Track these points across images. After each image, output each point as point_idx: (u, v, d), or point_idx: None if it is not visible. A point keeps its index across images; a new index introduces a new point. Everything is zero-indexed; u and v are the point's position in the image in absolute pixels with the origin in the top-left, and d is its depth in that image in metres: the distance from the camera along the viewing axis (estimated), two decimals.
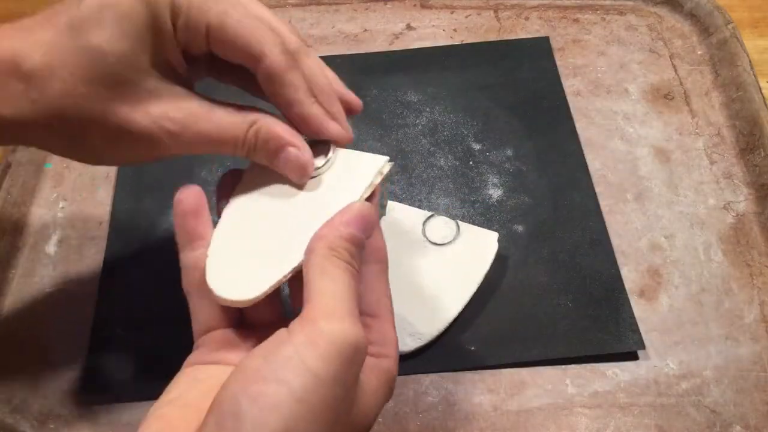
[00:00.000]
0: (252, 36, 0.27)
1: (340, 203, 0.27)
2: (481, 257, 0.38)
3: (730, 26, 0.50)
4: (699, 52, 0.51)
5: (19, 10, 0.55)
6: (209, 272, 0.27)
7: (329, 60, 0.50)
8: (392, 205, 0.40)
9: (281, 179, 0.29)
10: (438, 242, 0.39)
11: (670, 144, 0.46)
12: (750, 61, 0.48)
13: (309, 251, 0.25)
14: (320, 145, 0.29)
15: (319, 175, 0.29)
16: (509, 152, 0.45)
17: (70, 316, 0.39)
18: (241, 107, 0.28)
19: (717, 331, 0.38)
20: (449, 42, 0.52)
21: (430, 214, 0.40)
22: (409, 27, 0.53)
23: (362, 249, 0.26)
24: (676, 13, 0.53)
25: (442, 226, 0.40)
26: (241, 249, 0.27)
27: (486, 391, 0.36)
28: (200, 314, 0.28)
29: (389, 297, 0.28)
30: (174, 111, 0.27)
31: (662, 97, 0.48)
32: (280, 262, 0.26)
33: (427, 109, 0.47)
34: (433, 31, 0.52)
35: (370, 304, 0.27)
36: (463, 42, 0.51)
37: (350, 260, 0.24)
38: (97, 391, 0.36)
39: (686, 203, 0.43)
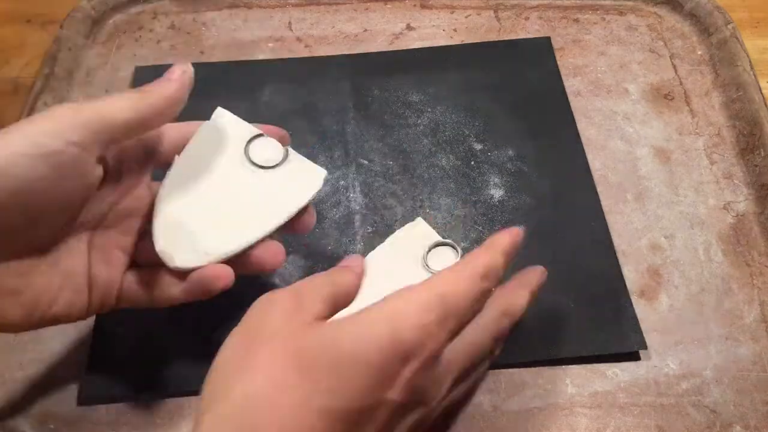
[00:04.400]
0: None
1: (287, 203, 0.33)
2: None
3: (730, 26, 0.50)
4: (699, 52, 0.51)
5: (19, 10, 0.55)
6: (158, 237, 0.31)
7: (330, 60, 0.51)
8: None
9: (231, 154, 0.34)
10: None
11: (670, 144, 0.46)
12: (750, 61, 0.48)
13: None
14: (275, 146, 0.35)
15: (273, 168, 0.34)
16: (511, 152, 0.45)
17: None
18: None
19: (717, 331, 0.38)
20: (449, 42, 0.52)
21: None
22: (409, 27, 0.53)
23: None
24: (676, 13, 0.53)
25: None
26: (191, 216, 0.32)
27: (486, 391, 0.36)
28: None
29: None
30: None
31: (662, 97, 0.48)
32: (231, 238, 0.32)
33: (429, 109, 0.47)
34: (433, 31, 0.52)
35: None
36: (463, 42, 0.51)
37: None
38: (97, 391, 0.36)
39: (686, 203, 0.43)
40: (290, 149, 0.35)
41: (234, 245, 0.32)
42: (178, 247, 0.31)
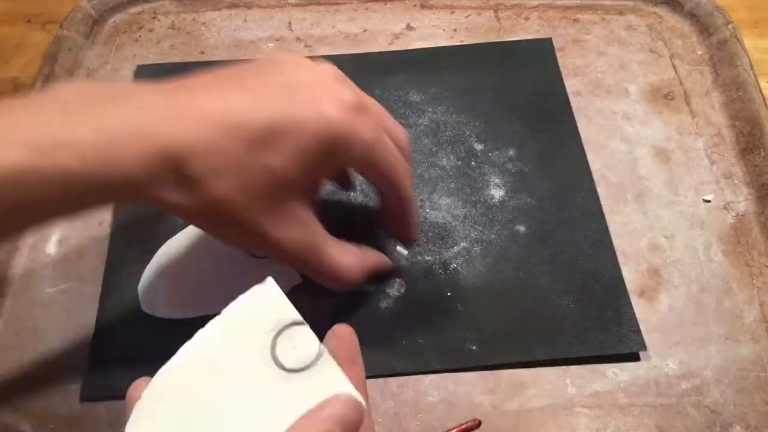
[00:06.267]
0: (395, 172, 0.33)
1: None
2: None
3: (730, 26, 0.50)
4: (699, 52, 0.51)
5: (19, 10, 0.55)
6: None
7: (331, 59, 0.50)
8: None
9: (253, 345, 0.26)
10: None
11: (670, 144, 0.46)
12: (750, 61, 0.48)
13: None
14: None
15: (300, 371, 0.25)
16: (511, 152, 0.45)
17: (70, 316, 0.39)
18: (343, 252, 0.34)
19: (717, 331, 0.38)
20: (449, 42, 0.52)
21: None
22: (409, 27, 0.53)
23: None
24: (676, 13, 0.53)
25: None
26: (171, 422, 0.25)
27: (486, 391, 0.36)
28: None
29: None
30: (300, 238, 0.31)
31: (662, 97, 0.48)
32: None
33: (430, 110, 0.47)
34: (433, 31, 0.52)
35: None
36: (463, 42, 0.51)
37: None
38: (97, 391, 0.36)
39: (686, 203, 0.43)
40: (324, 349, 0.25)
41: None
42: None
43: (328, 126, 0.28)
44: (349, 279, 0.34)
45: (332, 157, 0.30)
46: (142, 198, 0.27)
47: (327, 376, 0.25)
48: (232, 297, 0.27)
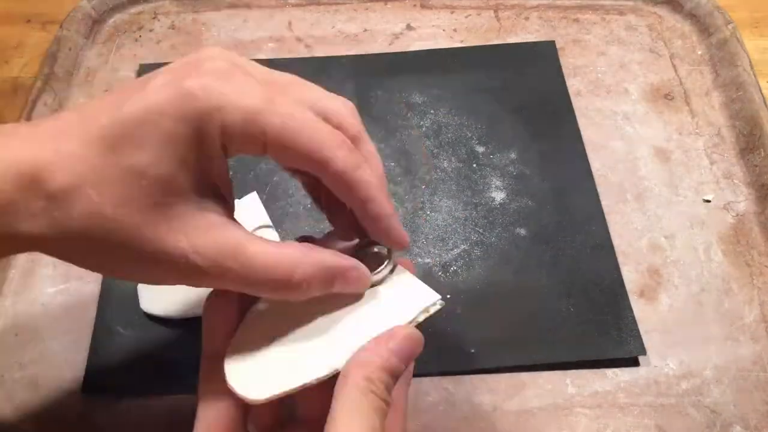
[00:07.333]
0: (313, 142, 0.24)
1: (382, 325, 0.25)
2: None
3: (730, 26, 0.50)
4: (699, 52, 0.51)
5: (19, 10, 0.55)
6: (228, 365, 0.26)
7: (333, 60, 0.51)
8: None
9: None
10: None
11: (670, 144, 0.46)
12: (750, 61, 0.48)
13: (345, 375, 0.24)
14: (372, 255, 0.28)
15: (372, 286, 0.27)
16: (513, 155, 0.45)
17: (70, 315, 0.39)
18: (280, 245, 0.26)
19: (717, 331, 0.38)
20: (449, 42, 0.52)
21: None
22: (409, 27, 0.53)
23: (398, 379, 0.24)
24: (676, 13, 0.53)
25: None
26: (267, 346, 0.26)
27: (486, 391, 0.36)
28: (207, 414, 0.26)
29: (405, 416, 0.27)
30: (206, 245, 0.24)
31: (662, 97, 0.48)
32: (307, 367, 0.25)
33: (432, 111, 0.47)
34: (433, 32, 0.52)
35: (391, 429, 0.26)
36: (463, 42, 0.51)
37: (386, 397, 0.24)
38: (97, 391, 0.36)
39: (686, 203, 0.43)
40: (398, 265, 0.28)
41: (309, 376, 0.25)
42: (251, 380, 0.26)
43: (187, 100, 0.23)
44: (295, 279, 0.25)
45: (210, 140, 0.24)
46: None
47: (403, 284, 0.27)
48: None
